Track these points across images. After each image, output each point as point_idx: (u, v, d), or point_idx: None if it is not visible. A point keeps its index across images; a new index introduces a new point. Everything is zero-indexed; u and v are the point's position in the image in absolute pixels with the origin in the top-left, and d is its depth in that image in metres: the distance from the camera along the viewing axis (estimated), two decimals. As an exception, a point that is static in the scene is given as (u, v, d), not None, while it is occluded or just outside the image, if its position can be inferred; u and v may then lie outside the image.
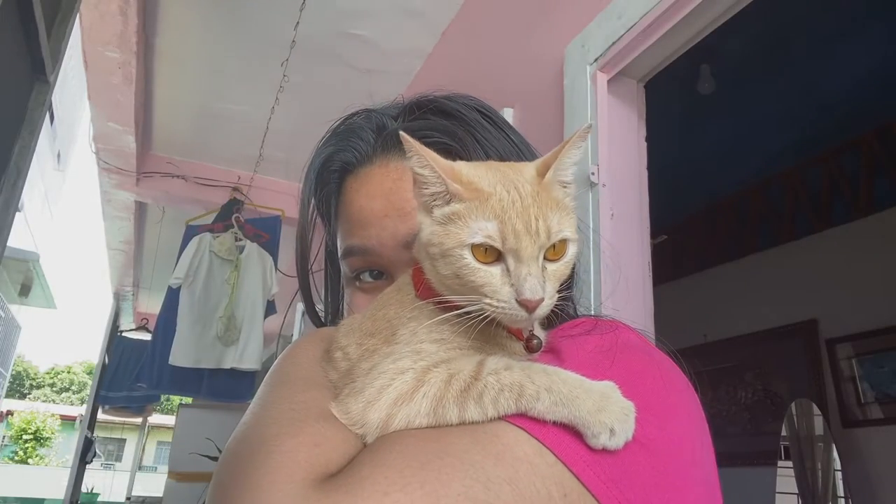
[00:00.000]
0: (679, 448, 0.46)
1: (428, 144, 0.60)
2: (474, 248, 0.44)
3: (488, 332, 0.47)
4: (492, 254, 0.44)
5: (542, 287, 0.44)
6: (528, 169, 0.48)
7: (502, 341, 0.48)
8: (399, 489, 0.36)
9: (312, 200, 0.69)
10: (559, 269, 0.46)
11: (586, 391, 0.41)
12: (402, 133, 0.46)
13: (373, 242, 0.61)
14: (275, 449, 0.40)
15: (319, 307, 0.73)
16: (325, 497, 0.37)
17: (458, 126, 0.62)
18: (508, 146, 0.64)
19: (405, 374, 0.43)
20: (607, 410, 0.41)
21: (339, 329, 0.54)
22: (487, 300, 0.44)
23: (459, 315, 0.45)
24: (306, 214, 0.68)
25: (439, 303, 0.47)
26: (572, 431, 0.41)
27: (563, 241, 0.46)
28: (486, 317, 0.44)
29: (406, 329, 0.47)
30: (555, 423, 0.41)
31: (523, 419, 0.41)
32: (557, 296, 0.46)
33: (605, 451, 0.41)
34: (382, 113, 0.67)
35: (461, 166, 0.48)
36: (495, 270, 0.44)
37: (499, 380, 0.42)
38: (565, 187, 0.48)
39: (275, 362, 0.55)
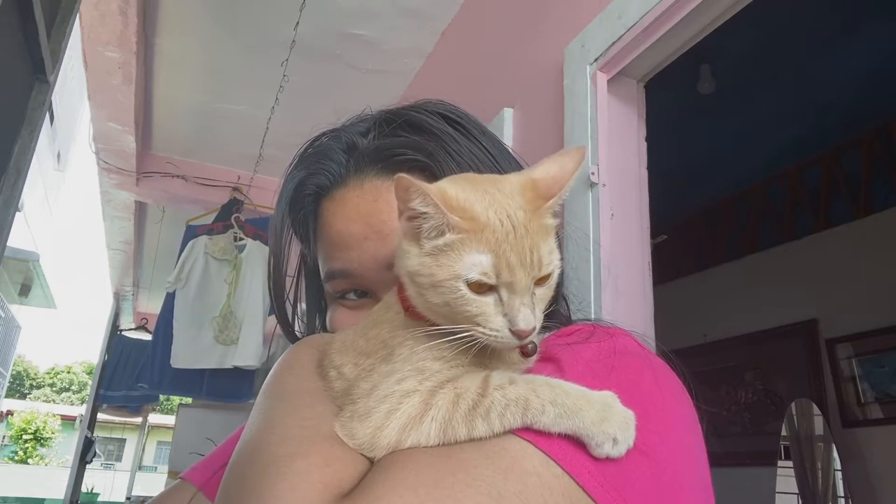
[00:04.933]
0: (676, 454, 0.47)
1: (401, 162, 0.60)
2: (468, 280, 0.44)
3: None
4: (485, 284, 0.43)
5: (535, 315, 0.44)
6: (516, 190, 0.46)
7: (499, 351, 0.48)
8: None
9: (287, 226, 0.67)
10: (545, 293, 0.46)
11: (589, 402, 0.42)
12: (400, 176, 0.44)
13: (354, 265, 0.60)
14: (286, 470, 0.40)
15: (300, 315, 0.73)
16: None
17: (429, 140, 0.61)
18: (482, 155, 0.62)
19: (411, 396, 0.43)
20: (610, 420, 0.41)
21: (332, 344, 0.54)
22: (480, 328, 0.43)
23: (450, 340, 0.44)
24: (280, 242, 0.67)
25: (430, 324, 0.47)
26: (575, 442, 0.42)
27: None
28: (476, 341, 0.44)
29: (404, 348, 0.46)
30: (559, 435, 0.42)
31: (529, 432, 0.42)
32: (543, 315, 0.46)
33: (607, 459, 0.42)
34: (351, 131, 0.66)
35: (450, 191, 0.45)
36: (489, 300, 0.44)
37: (504, 395, 0.42)
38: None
39: (271, 372, 0.54)
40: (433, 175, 0.58)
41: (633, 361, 0.51)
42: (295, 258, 0.71)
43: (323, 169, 0.64)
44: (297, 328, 0.71)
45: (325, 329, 0.69)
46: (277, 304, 0.68)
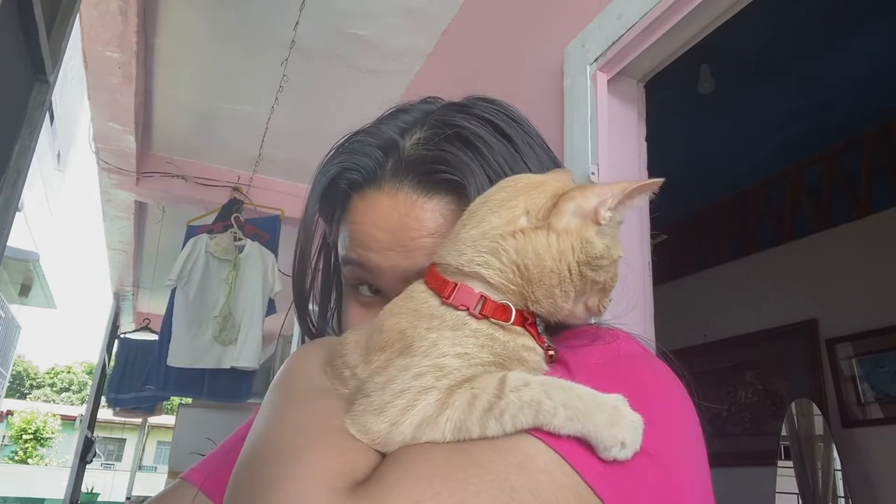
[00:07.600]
0: (680, 457, 0.48)
1: (440, 181, 0.59)
2: None
3: (511, 344, 0.48)
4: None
5: None
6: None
7: (521, 353, 0.48)
8: (429, 498, 0.37)
9: (317, 218, 0.66)
10: None
11: (599, 406, 0.43)
12: (610, 182, 0.51)
13: (372, 265, 0.61)
14: (302, 459, 0.41)
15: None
16: None
17: (473, 158, 0.59)
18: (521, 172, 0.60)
19: (428, 393, 0.43)
20: (619, 424, 0.42)
21: (344, 343, 0.53)
22: (606, 301, 0.51)
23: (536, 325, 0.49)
24: (309, 233, 0.66)
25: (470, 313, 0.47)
26: (585, 443, 0.42)
27: None
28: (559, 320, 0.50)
29: (425, 341, 0.46)
30: (568, 437, 0.42)
31: (540, 432, 0.42)
32: None
33: (615, 462, 0.42)
34: (392, 127, 0.64)
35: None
36: None
37: (519, 397, 0.43)
38: None
39: (278, 372, 0.54)
40: (464, 193, 0.57)
41: (637, 365, 0.52)
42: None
43: (358, 165, 0.63)
44: (312, 319, 0.70)
45: (339, 320, 0.69)
46: (298, 298, 0.67)
